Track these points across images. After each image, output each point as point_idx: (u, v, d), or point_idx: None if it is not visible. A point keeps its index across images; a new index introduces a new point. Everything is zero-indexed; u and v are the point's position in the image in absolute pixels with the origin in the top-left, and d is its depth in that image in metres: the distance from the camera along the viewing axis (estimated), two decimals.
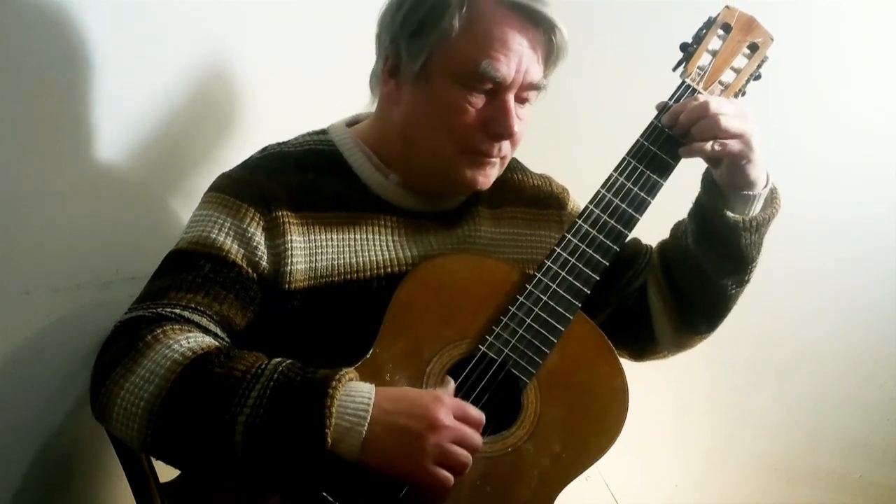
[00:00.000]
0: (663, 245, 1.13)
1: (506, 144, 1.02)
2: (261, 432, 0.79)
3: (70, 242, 1.04)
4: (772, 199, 1.04)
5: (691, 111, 0.98)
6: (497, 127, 0.98)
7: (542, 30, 0.99)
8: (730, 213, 1.00)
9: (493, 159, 1.02)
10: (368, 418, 0.80)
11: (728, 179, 1.00)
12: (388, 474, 0.82)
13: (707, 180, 1.04)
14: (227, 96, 1.29)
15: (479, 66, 0.95)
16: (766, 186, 1.02)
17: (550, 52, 1.01)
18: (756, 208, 1.02)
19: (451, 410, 0.83)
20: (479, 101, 0.98)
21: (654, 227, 1.11)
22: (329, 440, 0.79)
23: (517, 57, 0.96)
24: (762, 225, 1.02)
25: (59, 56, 0.97)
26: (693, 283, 1.08)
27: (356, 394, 0.82)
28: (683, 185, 1.05)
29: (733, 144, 0.95)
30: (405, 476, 0.82)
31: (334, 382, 0.81)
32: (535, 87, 1.01)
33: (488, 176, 1.03)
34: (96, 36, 1.02)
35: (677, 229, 1.10)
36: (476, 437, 0.84)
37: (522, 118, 1.01)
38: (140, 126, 1.12)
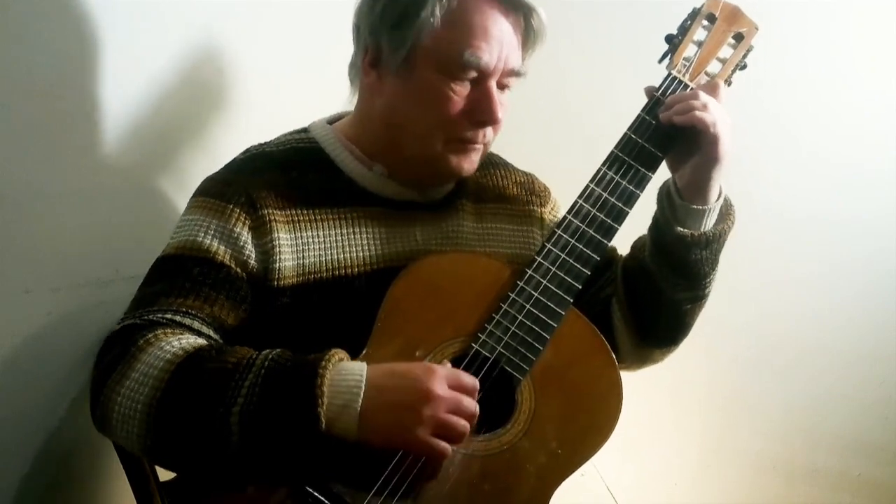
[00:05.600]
0: (625, 259, 1.14)
1: (489, 130, 1.03)
2: (256, 420, 0.80)
3: (70, 242, 1.05)
4: (727, 214, 1.04)
5: (682, 96, 0.99)
6: (481, 115, 0.99)
7: (522, 14, 1.00)
8: (679, 228, 1.00)
9: (478, 145, 1.03)
10: (362, 395, 0.81)
11: (688, 182, 1.00)
12: (386, 448, 0.83)
13: (661, 195, 1.04)
14: (226, 97, 1.30)
15: (462, 55, 0.96)
16: (717, 200, 1.02)
17: (529, 35, 1.02)
18: (708, 223, 1.02)
19: (444, 379, 0.84)
20: (462, 89, 0.98)
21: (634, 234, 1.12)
22: (323, 420, 0.79)
23: (498, 44, 0.97)
24: (713, 241, 1.02)
25: (60, 56, 0.98)
26: (649, 299, 1.08)
27: (347, 373, 0.83)
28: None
29: (720, 128, 0.96)
30: (403, 448, 0.83)
31: (324, 363, 0.82)
32: (516, 73, 1.01)
33: (473, 162, 1.04)
34: (96, 37, 1.02)
35: (637, 244, 1.11)
36: (471, 404, 0.85)
37: (504, 104, 1.02)
38: (140, 127, 1.13)
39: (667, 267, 1.04)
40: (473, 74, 0.98)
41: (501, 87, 1.02)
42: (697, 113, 0.96)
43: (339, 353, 0.84)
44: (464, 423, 0.83)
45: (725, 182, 1.04)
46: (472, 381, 0.86)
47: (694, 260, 1.01)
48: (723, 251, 1.06)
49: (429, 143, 1.01)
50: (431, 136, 1.01)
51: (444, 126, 1.00)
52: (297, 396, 0.80)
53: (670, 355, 1.16)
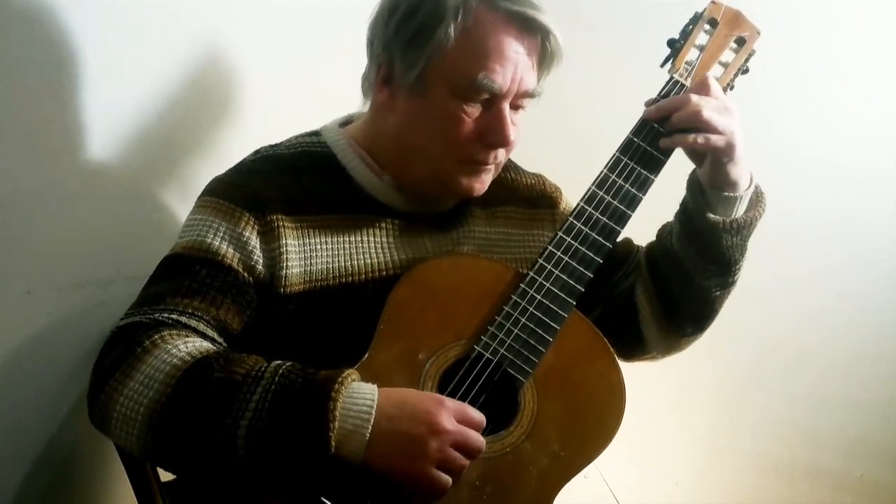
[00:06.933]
0: (650, 246, 1.14)
1: (501, 151, 1.02)
2: (264, 436, 0.79)
3: (71, 242, 1.05)
4: (756, 201, 1.04)
5: (672, 102, 0.98)
6: (493, 137, 0.98)
7: (538, 36, 0.98)
8: (711, 215, 1.00)
9: (489, 166, 1.03)
10: (372, 421, 0.81)
11: (710, 177, 1.01)
12: (388, 476, 0.82)
13: (691, 181, 1.04)
14: (226, 97, 1.29)
15: (475, 78, 0.95)
16: (748, 188, 1.02)
17: (545, 57, 1.01)
18: (739, 210, 1.02)
19: (452, 414, 0.84)
20: (475, 111, 0.97)
21: (647, 227, 1.12)
22: (333, 443, 0.79)
23: (512, 66, 0.96)
24: (744, 227, 1.02)
25: (61, 56, 0.98)
26: (678, 285, 1.08)
27: (358, 396, 0.82)
28: (676, 187, 1.06)
29: (716, 139, 0.95)
30: (405, 478, 0.83)
31: (336, 385, 0.81)
32: (530, 94, 1.00)
33: (484, 182, 1.04)
34: (97, 37, 1.02)
35: (663, 231, 1.11)
36: (478, 440, 0.85)
37: (516, 124, 1.01)
38: (140, 126, 1.13)
39: (697, 253, 1.04)
40: (486, 96, 0.97)
41: (515, 107, 1.01)
42: (679, 136, 0.97)
43: (351, 374, 0.84)
44: (465, 461, 0.84)
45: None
46: (479, 416, 0.86)
47: (725, 246, 1.02)
48: None
49: (440, 163, 1.01)
50: (442, 157, 1.00)
51: (455, 148, 0.99)
52: (308, 418, 0.79)
53: (693, 343, 1.16)
